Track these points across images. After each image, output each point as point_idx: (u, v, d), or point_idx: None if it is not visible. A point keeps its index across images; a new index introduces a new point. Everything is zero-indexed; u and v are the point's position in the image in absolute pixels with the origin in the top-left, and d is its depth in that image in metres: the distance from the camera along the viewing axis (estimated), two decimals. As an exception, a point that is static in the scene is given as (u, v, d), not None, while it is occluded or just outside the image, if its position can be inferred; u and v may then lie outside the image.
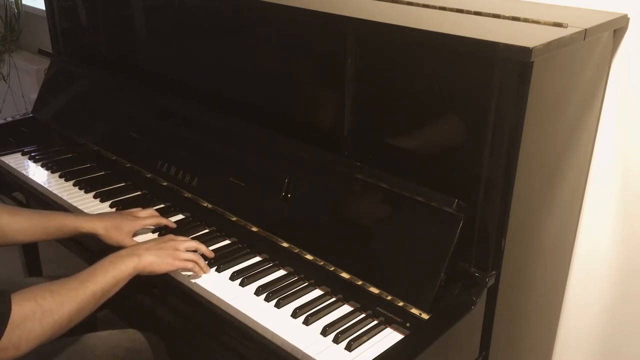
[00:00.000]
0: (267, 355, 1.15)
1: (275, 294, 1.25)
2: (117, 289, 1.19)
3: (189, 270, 1.30)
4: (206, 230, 1.49)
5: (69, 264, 1.18)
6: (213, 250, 1.39)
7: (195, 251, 1.34)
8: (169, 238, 1.34)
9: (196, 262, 1.30)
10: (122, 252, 1.24)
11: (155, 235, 1.46)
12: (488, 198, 1.14)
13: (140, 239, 1.42)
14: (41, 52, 2.13)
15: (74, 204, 1.60)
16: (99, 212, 1.56)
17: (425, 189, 1.18)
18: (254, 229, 1.41)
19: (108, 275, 1.17)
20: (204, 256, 1.35)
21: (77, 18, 2.08)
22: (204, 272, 1.31)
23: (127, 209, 1.54)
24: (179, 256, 1.28)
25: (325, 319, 1.20)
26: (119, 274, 1.18)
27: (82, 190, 1.67)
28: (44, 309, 1.04)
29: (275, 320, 1.19)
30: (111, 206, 1.58)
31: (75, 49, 2.13)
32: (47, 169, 1.80)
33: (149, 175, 1.66)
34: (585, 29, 1.14)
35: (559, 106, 1.23)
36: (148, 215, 1.45)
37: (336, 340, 1.14)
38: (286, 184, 1.37)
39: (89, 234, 1.38)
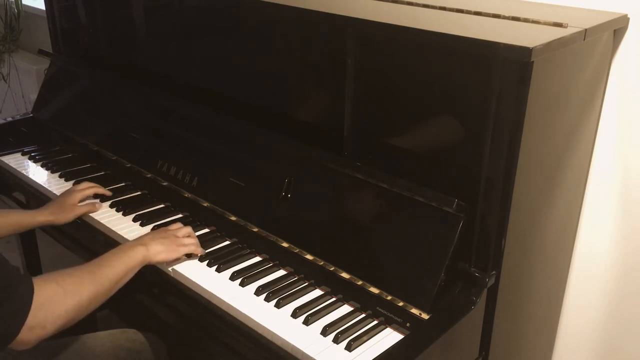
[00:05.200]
0: (267, 355, 1.15)
1: (275, 294, 1.25)
2: (128, 277, 1.24)
3: (193, 252, 1.36)
4: (206, 230, 1.49)
5: (69, 264, 1.19)
6: (213, 250, 1.40)
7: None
8: (166, 229, 1.39)
9: (196, 245, 1.37)
10: (130, 242, 1.30)
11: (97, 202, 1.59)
12: (488, 198, 1.14)
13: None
14: (41, 52, 2.13)
15: (74, 204, 1.60)
16: (99, 212, 1.56)
17: (426, 189, 1.18)
18: (254, 229, 1.41)
19: (120, 262, 1.23)
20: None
21: (77, 18, 2.08)
22: (201, 252, 1.38)
23: (127, 208, 1.56)
24: (182, 242, 1.35)
25: (325, 319, 1.20)
26: (130, 261, 1.24)
27: (82, 190, 1.67)
28: (65, 290, 1.09)
29: (275, 320, 1.19)
30: (111, 206, 1.58)
31: (75, 49, 2.13)
32: (47, 169, 1.80)
33: (149, 175, 1.66)
34: (585, 29, 1.14)
35: (559, 106, 1.23)
36: (85, 187, 1.59)
37: (336, 340, 1.14)
38: (286, 184, 1.37)
39: (45, 223, 1.52)
